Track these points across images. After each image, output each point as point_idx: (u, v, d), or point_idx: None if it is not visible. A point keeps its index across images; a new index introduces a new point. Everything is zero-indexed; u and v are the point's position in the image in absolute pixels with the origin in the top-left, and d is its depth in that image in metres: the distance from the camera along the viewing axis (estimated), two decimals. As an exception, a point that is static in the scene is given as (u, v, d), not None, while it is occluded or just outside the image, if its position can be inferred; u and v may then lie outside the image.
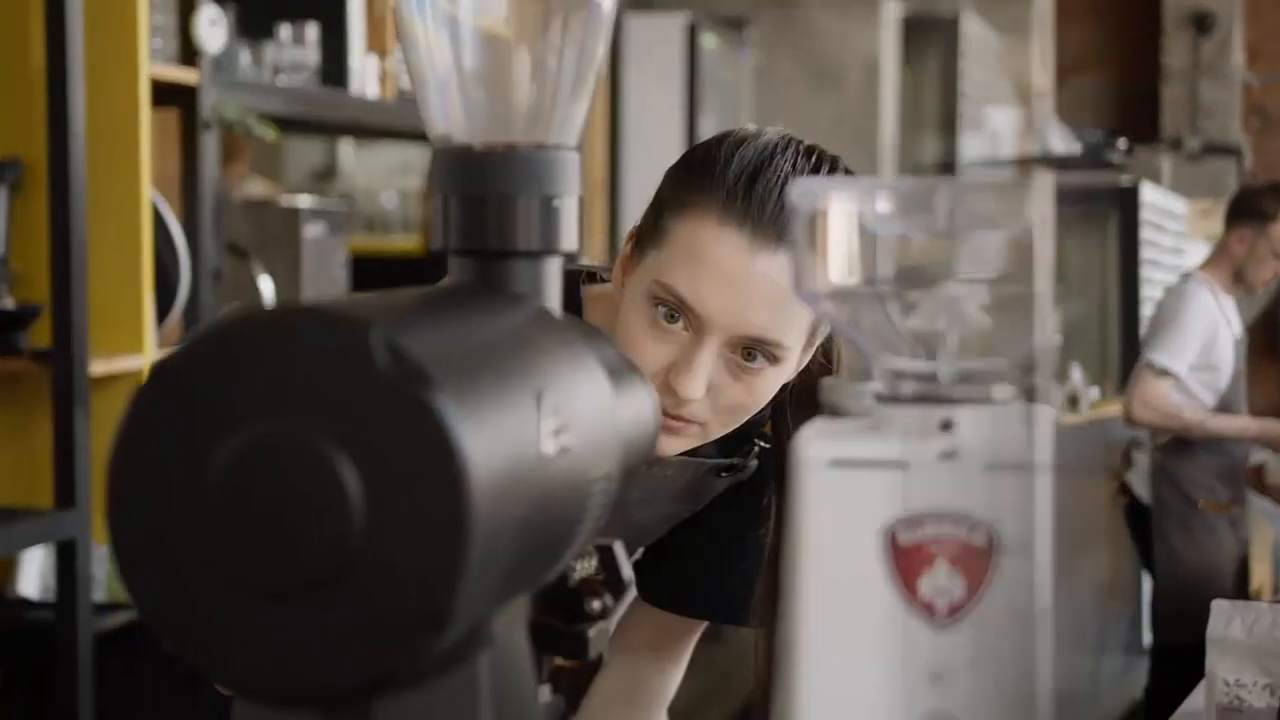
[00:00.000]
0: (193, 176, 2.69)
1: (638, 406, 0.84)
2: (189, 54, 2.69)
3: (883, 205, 0.70)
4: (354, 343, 0.60)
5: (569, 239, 0.80)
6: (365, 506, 0.60)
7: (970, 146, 5.26)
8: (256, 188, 3.78)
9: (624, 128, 4.81)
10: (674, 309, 1.22)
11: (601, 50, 0.82)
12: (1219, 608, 2.02)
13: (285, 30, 3.06)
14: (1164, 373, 4.15)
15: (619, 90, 4.74)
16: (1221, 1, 9.02)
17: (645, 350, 1.23)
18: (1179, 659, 4.22)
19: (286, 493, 0.60)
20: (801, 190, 0.70)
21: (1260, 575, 5.73)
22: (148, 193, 2.50)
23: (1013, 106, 5.24)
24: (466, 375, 0.63)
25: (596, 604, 0.84)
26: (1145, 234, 6.94)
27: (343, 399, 0.60)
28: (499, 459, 0.62)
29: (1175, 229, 7.34)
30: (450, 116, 0.80)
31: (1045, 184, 0.66)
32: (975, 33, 7.40)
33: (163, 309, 2.59)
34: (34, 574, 2.68)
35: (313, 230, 3.10)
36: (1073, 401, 5.82)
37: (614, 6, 0.83)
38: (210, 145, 2.71)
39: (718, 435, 1.29)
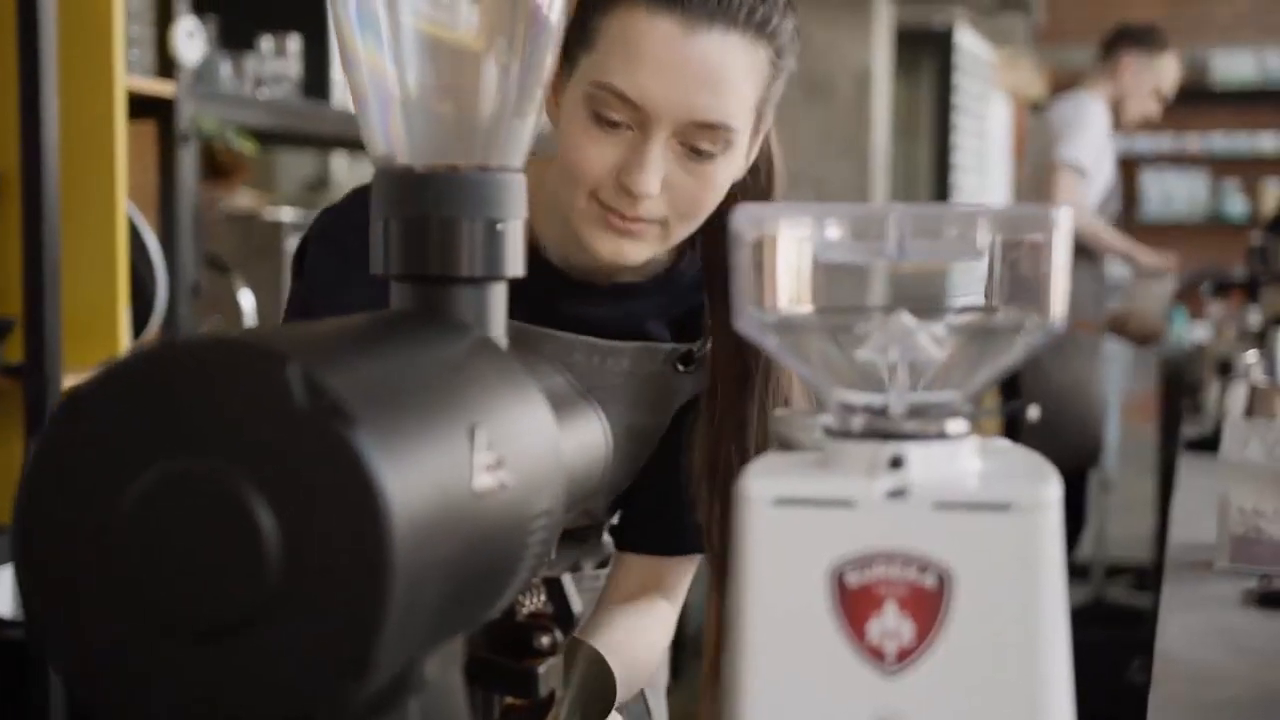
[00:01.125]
0: (170, 190, 2.66)
1: (585, 435, 0.81)
2: (167, 66, 2.66)
3: (832, 232, 0.68)
4: (271, 376, 0.58)
5: (514, 264, 0.77)
6: (281, 547, 0.57)
7: None
8: (246, 199, 3.75)
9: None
10: (615, 109, 1.20)
11: (548, 66, 0.79)
12: (1234, 426, 1.90)
13: (267, 42, 3.03)
14: (1077, 169, 4.20)
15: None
16: None
17: (591, 156, 1.22)
18: None
19: (200, 532, 0.58)
20: (746, 217, 0.67)
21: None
22: (123, 205, 2.47)
23: None
24: (391, 410, 0.60)
25: (545, 639, 0.81)
26: (956, 80, 6.98)
27: (259, 435, 0.58)
28: (425, 497, 0.60)
29: (984, 77, 7.41)
30: (391, 137, 0.78)
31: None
32: (969, 45, 7.40)
33: (139, 323, 2.56)
34: (6, 591, 2.65)
35: (295, 245, 3.06)
36: None
37: (561, 21, 0.80)
38: (188, 158, 2.68)
39: (678, 238, 1.27)
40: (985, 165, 8.14)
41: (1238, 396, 2.91)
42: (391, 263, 0.76)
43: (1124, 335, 4.72)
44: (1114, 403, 5.82)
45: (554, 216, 1.30)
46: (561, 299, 1.34)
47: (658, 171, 1.21)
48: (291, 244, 3.07)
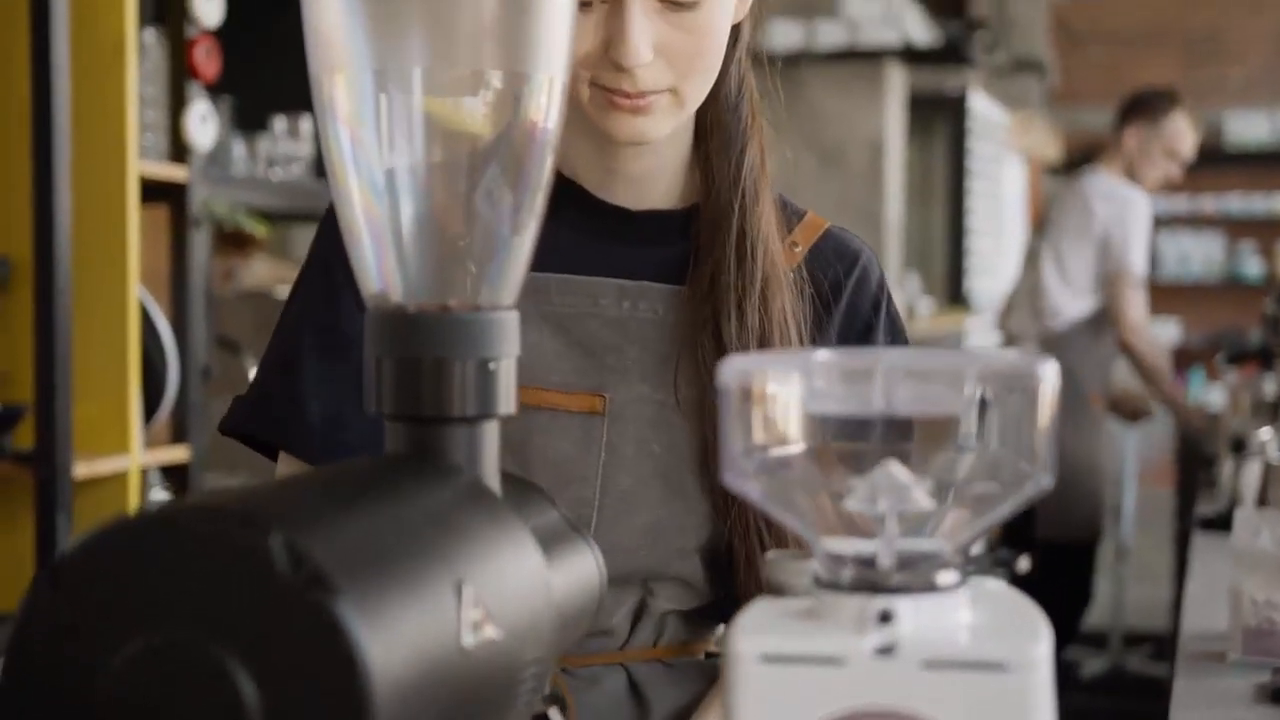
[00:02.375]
0: (182, 273, 2.67)
1: (577, 574, 0.81)
2: (180, 150, 2.68)
3: (819, 383, 0.68)
4: (254, 546, 0.58)
5: (506, 402, 0.77)
6: (264, 718, 0.57)
7: (829, 33, 5.21)
8: (262, 269, 3.76)
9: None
10: None
11: (540, 204, 0.80)
12: (1244, 517, 1.87)
13: (280, 123, 3.05)
14: (1140, 280, 4.23)
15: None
16: None
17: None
18: (1058, 554, 4.23)
19: (183, 703, 0.57)
20: (732, 370, 0.67)
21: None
22: (135, 291, 2.48)
23: None
24: (376, 574, 0.60)
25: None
26: (970, 144, 6.99)
27: (243, 605, 0.57)
28: (410, 662, 0.59)
29: (998, 140, 7.43)
30: (384, 275, 0.78)
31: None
32: (982, 109, 7.42)
33: (150, 407, 2.57)
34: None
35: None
36: (909, 313, 5.84)
37: (553, 162, 0.80)
38: (200, 242, 2.70)
39: (695, 100, 1.21)
40: (1000, 228, 8.15)
41: (1252, 475, 2.89)
42: (384, 402, 0.76)
43: (1116, 412, 4.74)
44: (1130, 469, 5.80)
45: (580, 132, 1.23)
46: (595, 235, 1.28)
47: (644, 37, 1.14)
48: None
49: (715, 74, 1.21)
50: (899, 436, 0.69)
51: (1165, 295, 9.80)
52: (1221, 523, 2.82)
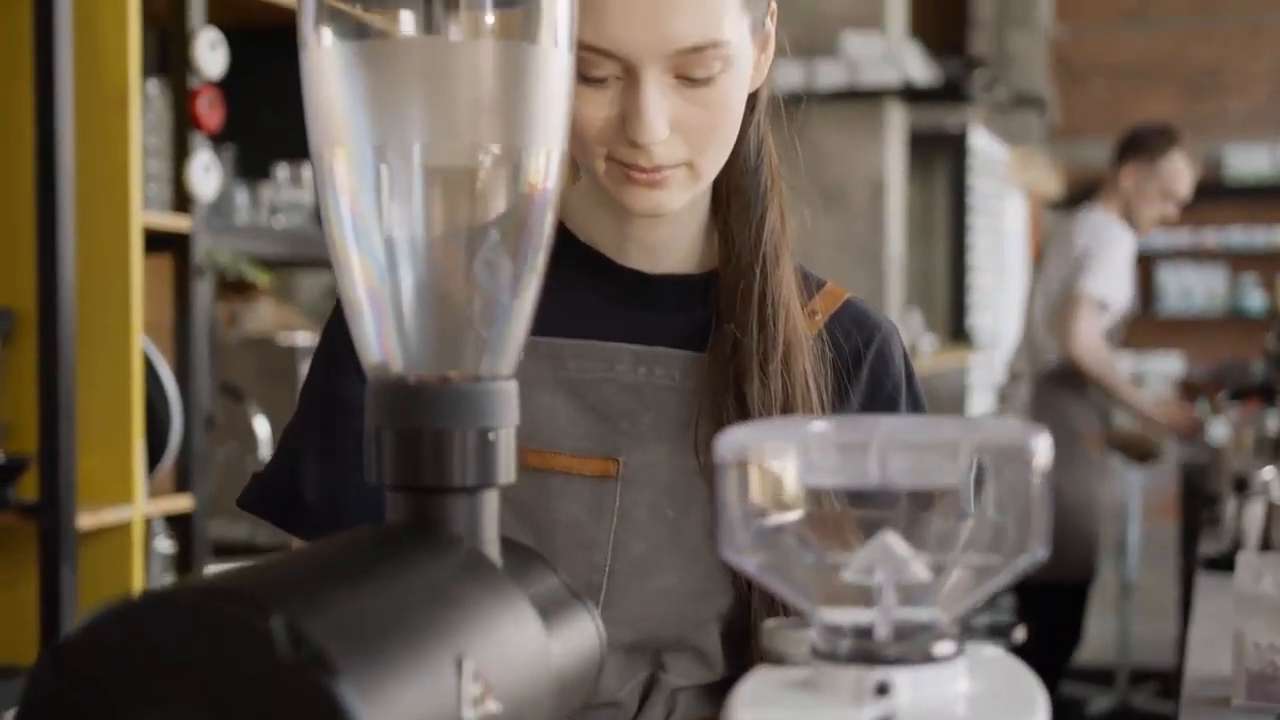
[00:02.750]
0: (186, 322, 2.68)
1: (577, 641, 0.81)
2: (183, 200, 2.69)
3: (815, 456, 0.68)
4: (254, 627, 0.58)
5: (507, 470, 0.78)
6: (266, 799, 0.57)
7: (829, 73, 5.24)
8: (266, 313, 3.78)
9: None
10: (595, 65, 1.12)
11: (538, 273, 0.80)
12: (1245, 561, 1.86)
13: (282, 170, 3.07)
14: (1100, 304, 4.21)
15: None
16: None
17: (588, 118, 1.14)
18: (1048, 596, 4.21)
19: (184, 784, 0.58)
20: (728, 443, 0.68)
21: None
22: (139, 342, 2.49)
23: (871, 33, 5.22)
24: (376, 653, 0.61)
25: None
26: (971, 180, 6.99)
27: (243, 686, 0.58)
28: (410, 740, 0.60)
29: (998, 176, 7.45)
30: (385, 347, 0.78)
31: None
32: (982, 145, 7.45)
33: (154, 457, 2.57)
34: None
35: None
36: (911, 350, 5.82)
37: (552, 233, 0.81)
38: (203, 291, 2.71)
39: (711, 173, 1.19)
40: (1002, 264, 8.17)
41: (1255, 515, 2.89)
42: (385, 472, 0.77)
43: (1122, 453, 4.73)
44: (1134, 504, 5.79)
45: (597, 200, 1.24)
46: (612, 300, 1.27)
47: (659, 115, 1.13)
48: (305, 369, 3.10)
49: (731, 145, 1.20)
50: (895, 507, 0.70)
51: (1168, 329, 9.82)
52: (1225, 563, 2.81)
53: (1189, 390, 9.55)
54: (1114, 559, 5.89)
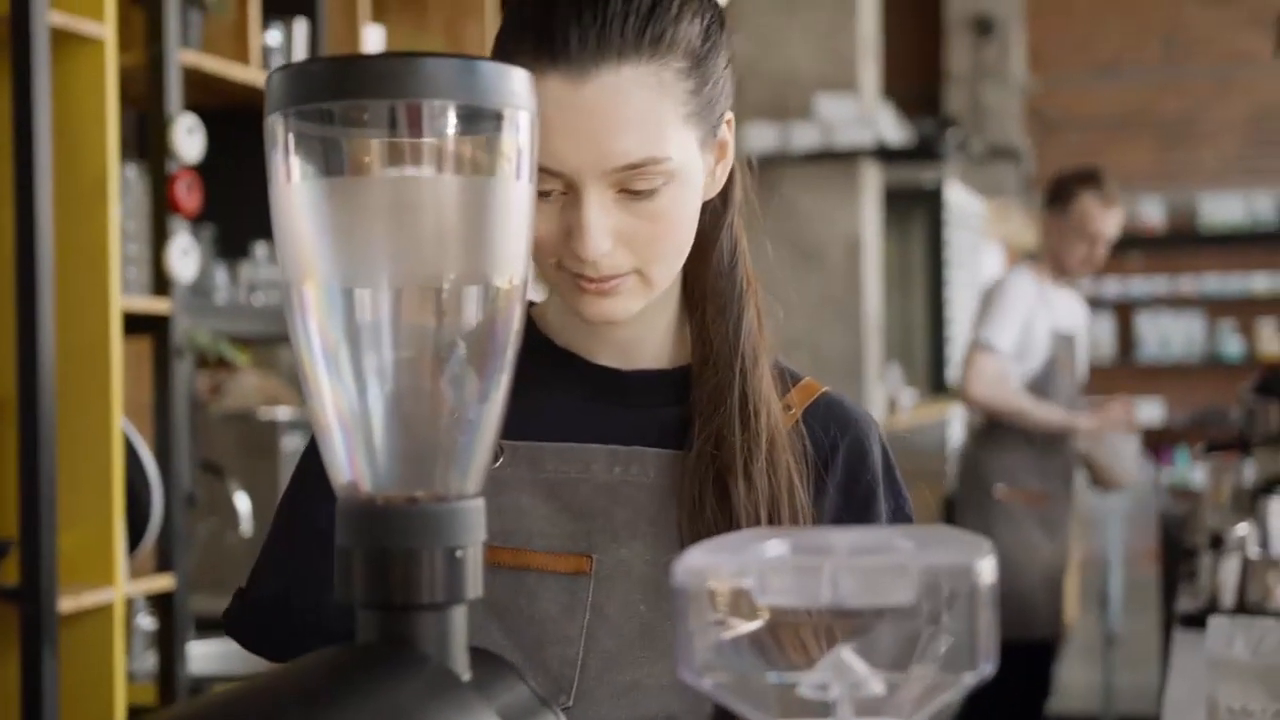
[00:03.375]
0: (165, 403, 2.70)
1: (547, 751, 0.83)
2: (162, 281, 2.72)
3: (770, 578, 0.71)
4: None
5: (474, 586, 0.80)
6: None
7: (804, 134, 5.28)
8: (250, 383, 3.79)
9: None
10: (540, 181, 1.10)
11: (501, 397, 0.83)
12: (1217, 625, 1.87)
13: (261, 248, 3.10)
14: (989, 348, 4.26)
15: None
16: (1002, 6, 9.38)
17: (537, 230, 1.14)
18: (1015, 652, 4.18)
19: None
20: (685, 568, 0.70)
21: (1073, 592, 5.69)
22: (119, 424, 2.51)
23: (845, 95, 5.27)
24: (346, 784, 0.63)
25: None
26: (947, 234, 7.03)
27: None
28: None
29: (975, 229, 7.49)
30: (354, 468, 0.81)
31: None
32: (958, 200, 7.51)
33: (135, 537, 2.59)
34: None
35: (292, 443, 3.11)
36: (891, 405, 5.83)
37: (515, 354, 0.84)
38: (182, 372, 2.73)
39: (664, 280, 1.20)
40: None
41: (1230, 572, 2.91)
42: (355, 592, 0.79)
43: (1092, 482, 4.74)
44: (1116, 554, 5.81)
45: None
46: (587, 399, 1.29)
47: (601, 231, 1.15)
48: (287, 442, 3.11)
49: (683, 253, 1.21)
50: (849, 624, 0.72)
51: (1147, 376, 9.88)
52: (1201, 620, 2.83)
53: (1166, 438, 9.62)
54: (1096, 609, 5.90)
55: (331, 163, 0.81)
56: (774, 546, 0.73)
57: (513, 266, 0.81)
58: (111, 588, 2.48)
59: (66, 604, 2.36)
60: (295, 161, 0.80)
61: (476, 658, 0.81)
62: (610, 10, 1.14)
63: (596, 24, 1.13)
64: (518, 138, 0.82)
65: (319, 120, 0.81)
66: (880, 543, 0.74)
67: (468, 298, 0.80)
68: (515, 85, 0.81)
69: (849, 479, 1.31)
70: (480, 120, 0.81)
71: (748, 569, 0.71)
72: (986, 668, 0.70)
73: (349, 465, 0.81)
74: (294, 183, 0.80)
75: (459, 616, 0.80)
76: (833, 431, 1.31)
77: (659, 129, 1.15)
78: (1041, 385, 4.39)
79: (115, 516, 2.49)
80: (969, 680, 0.71)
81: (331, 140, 0.81)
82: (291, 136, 0.79)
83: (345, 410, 0.81)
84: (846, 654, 0.71)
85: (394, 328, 0.79)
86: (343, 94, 0.79)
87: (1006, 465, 4.35)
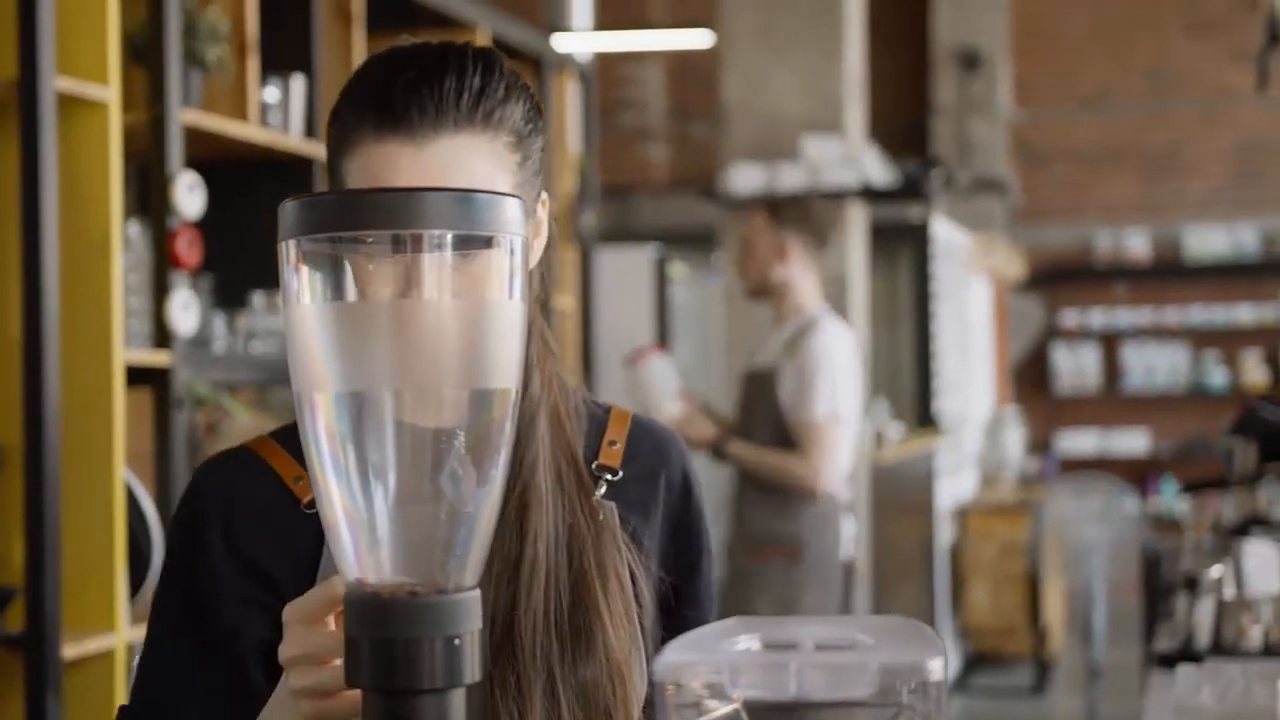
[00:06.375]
0: (165, 453, 2.77)
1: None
2: (163, 334, 2.79)
3: (741, 674, 0.78)
4: None
5: (472, 671, 0.88)
6: None
7: (790, 176, 5.34)
8: (246, 423, 3.83)
9: (597, 361, 4.92)
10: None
11: (496, 491, 0.90)
12: (1185, 673, 1.93)
13: (259, 298, 3.17)
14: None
15: (590, 321, 4.86)
16: (988, 39, 9.48)
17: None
18: None
19: None
20: (665, 666, 0.78)
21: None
22: (121, 474, 2.58)
23: (831, 136, 5.32)
24: None
25: None
26: (933, 268, 7.10)
27: None
28: None
29: (961, 262, 7.56)
30: (361, 565, 0.89)
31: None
32: (945, 234, 7.59)
33: (135, 583, 2.65)
34: None
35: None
36: (879, 439, 5.79)
37: (510, 445, 0.91)
38: (182, 422, 2.80)
39: None
40: (967, 346, 8.30)
41: (1205, 612, 2.96)
42: (363, 677, 0.87)
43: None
44: (1099, 587, 5.88)
45: None
46: None
47: None
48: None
49: None
50: (817, 714, 0.80)
51: (1132, 406, 9.95)
52: (1177, 660, 2.88)
53: (1152, 468, 9.70)
54: (1080, 641, 5.96)
55: (339, 287, 0.88)
56: (745, 643, 0.80)
57: (506, 374, 0.89)
58: (113, 634, 2.54)
59: (70, 650, 2.43)
60: (305, 284, 0.88)
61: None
62: (445, 87, 1.20)
63: (434, 98, 1.19)
64: (510, 260, 0.90)
65: (328, 244, 0.89)
66: (842, 638, 0.81)
67: (464, 403, 0.88)
68: (508, 213, 0.89)
69: (680, 506, 1.37)
70: (475, 245, 0.89)
71: (720, 666, 0.78)
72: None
73: (356, 563, 0.89)
74: (304, 304, 0.87)
75: (457, 699, 0.88)
76: (652, 457, 1.36)
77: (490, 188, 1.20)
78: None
79: (117, 563, 2.56)
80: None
81: (338, 263, 0.89)
82: (304, 267, 0.86)
83: (351, 512, 0.88)
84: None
85: (397, 433, 0.87)
86: (349, 225, 0.87)
87: (757, 522, 4.03)
